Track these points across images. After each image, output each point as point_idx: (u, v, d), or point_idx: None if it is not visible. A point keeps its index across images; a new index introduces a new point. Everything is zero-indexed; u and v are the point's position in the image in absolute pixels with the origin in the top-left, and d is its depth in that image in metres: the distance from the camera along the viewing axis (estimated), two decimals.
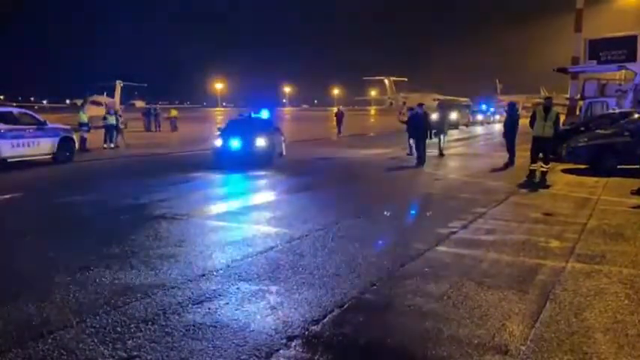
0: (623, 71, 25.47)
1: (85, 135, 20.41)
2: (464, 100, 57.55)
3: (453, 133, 29.94)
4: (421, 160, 15.50)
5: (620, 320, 4.19)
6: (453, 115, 38.06)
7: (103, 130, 22.04)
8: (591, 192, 10.31)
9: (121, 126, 22.85)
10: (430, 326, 4.07)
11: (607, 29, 29.73)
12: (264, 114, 17.73)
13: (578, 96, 27.04)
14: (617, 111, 18.40)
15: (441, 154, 18.06)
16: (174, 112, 38.06)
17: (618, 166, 12.39)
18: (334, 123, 33.96)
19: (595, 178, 11.91)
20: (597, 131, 14.24)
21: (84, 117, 21.23)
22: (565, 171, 13.34)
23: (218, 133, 15.85)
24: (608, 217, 7.94)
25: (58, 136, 15.72)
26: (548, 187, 11.14)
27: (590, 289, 4.87)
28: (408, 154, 17.64)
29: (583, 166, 13.19)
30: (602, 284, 5.01)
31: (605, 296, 4.70)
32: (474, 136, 31.01)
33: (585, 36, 27.96)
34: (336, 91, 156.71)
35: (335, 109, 37.37)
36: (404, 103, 63.31)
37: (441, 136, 18.78)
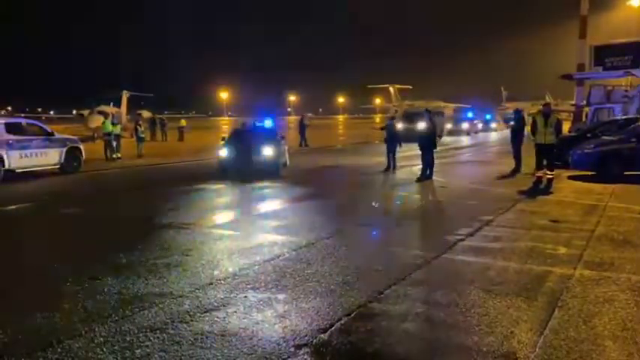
0: (629, 77, 25.48)
1: (114, 143, 21.07)
2: (451, 105, 54.23)
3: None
4: (430, 173, 13.69)
5: (630, 328, 4.16)
6: (420, 125, 35.04)
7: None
8: (598, 199, 10.26)
9: (142, 135, 23.54)
10: (438, 334, 4.06)
11: (612, 35, 29.74)
12: (268, 123, 17.70)
13: (584, 102, 27.03)
14: (624, 117, 18.37)
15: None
16: (183, 122, 38.51)
17: (625, 173, 12.34)
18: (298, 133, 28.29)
19: (602, 185, 11.85)
20: (604, 138, 14.18)
21: (109, 126, 21.61)
22: (571, 178, 13.29)
23: (222, 142, 15.77)
24: (616, 224, 7.90)
25: (65, 147, 15.81)
26: (554, 193, 11.10)
27: (598, 297, 4.85)
28: (386, 170, 16.02)
29: (590, 173, 13.14)
30: (610, 291, 4.99)
31: (614, 303, 4.68)
32: (458, 147, 27.38)
33: (590, 42, 27.98)
34: (341, 100, 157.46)
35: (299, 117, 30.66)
36: None
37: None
